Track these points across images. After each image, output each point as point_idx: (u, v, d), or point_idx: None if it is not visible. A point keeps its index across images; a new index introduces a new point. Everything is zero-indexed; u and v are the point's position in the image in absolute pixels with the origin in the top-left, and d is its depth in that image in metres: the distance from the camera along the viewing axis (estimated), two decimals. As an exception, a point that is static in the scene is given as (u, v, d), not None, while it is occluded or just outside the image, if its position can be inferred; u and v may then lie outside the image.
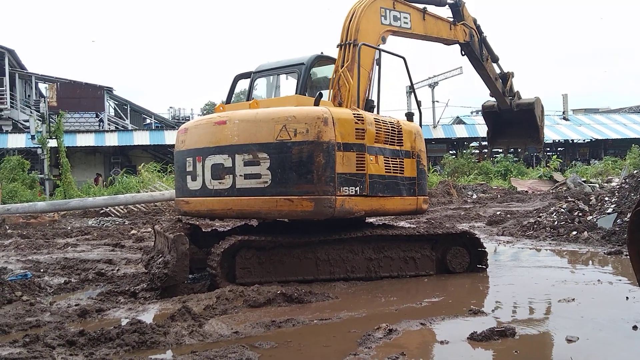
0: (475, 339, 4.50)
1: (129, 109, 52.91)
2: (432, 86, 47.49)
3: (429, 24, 10.19)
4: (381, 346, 4.41)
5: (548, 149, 51.97)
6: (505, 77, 12.54)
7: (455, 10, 11.34)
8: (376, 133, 7.10)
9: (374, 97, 8.35)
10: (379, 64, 8.39)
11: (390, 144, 7.34)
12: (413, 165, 7.62)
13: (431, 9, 10.29)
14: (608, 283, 6.87)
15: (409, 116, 8.29)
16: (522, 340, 4.52)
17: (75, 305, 6.10)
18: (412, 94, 9.11)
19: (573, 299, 6.02)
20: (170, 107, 71.92)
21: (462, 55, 11.88)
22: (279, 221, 7.59)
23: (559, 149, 51.13)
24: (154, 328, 4.77)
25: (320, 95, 7.28)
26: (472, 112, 61.96)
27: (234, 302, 5.82)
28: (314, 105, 6.98)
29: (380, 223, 8.53)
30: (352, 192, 6.76)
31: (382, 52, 8.43)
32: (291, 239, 6.82)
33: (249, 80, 8.75)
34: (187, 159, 7.37)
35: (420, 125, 8.70)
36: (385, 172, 7.17)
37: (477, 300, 6.13)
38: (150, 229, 14.39)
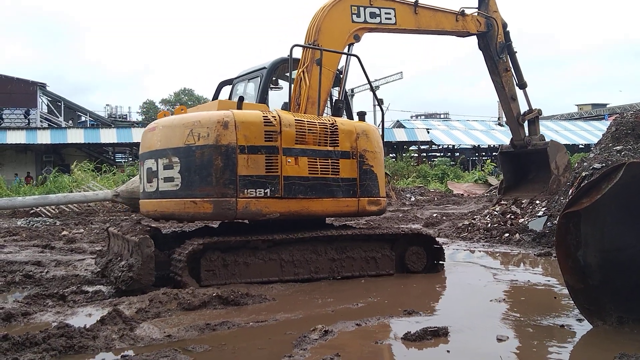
0: (409, 338, 4.54)
1: (62, 105, 51.17)
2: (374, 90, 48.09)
3: (423, 18, 9.93)
4: (316, 347, 4.39)
5: (483, 153, 53.55)
6: (530, 111, 12.07)
7: None
8: (297, 134, 7.03)
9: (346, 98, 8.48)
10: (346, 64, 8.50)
11: (320, 145, 7.23)
12: (353, 165, 7.49)
13: (433, 0, 10.06)
14: (538, 283, 7.11)
15: (361, 115, 8.26)
16: (454, 339, 4.59)
17: (0, 308, 5.81)
18: (372, 93, 9.06)
19: (504, 299, 6.20)
20: (107, 105, 70.23)
21: (479, 49, 11.54)
22: (240, 223, 7.53)
23: (493, 153, 52.69)
24: (82, 332, 4.59)
25: (242, 99, 7.29)
26: (411, 117, 63.22)
27: (168, 305, 5.68)
28: (237, 109, 6.99)
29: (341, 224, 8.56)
30: (260, 194, 6.74)
31: (347, 53, 8.59)
32: (260, 239, 6.83)
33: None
34: (139, 162, 7.66)
35: (383, 122, 8.74)
36: (310, 173, 7.09)
37: (412, 301, 6.20)
38: (82, 230, 13.97)
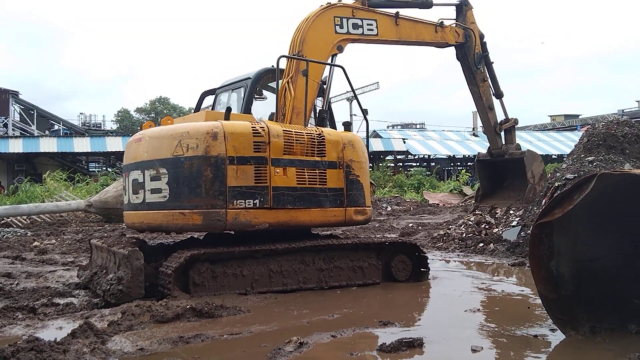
0: (384, 350, 4.54)
1: (35, 114, 50.42)
2: (350, 100, 48.33)
3: (403, 29, 10.14)
4: (291, 360, 4.37)
5: (459, 163, 54.05)
6: (507, 120, 12.37)
7: (459, 9, 11.37)
8: (285, 145, 7.04)
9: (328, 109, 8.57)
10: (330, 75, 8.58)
11: (307, 155, 7.26)
12: (340, 175, 7.52)
13: (413, 12, 10.29)
14: (512, 293, 7.16)
15: (346, 125, 8.30)
16: (429, 350, 4.59)
17: (-32, 322, 5.68)
18: (356, 102, 9.18)
19: (478, 309, 6.22)
20: (81, 114, 69.43)
21: (457, 59, 11.78)
22: (227, 234, 7.48)
23: (468, 163, 53.19)
24: (52, 346, 4.49)
25: (229, 110, 7.28)
26: (388, 127, 63.57)
27: (141, 317, 5.59)
28: (224, 120, 6.96)
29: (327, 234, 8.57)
30: (249, 205, 6.73)
31: (332, 64, 8.68)
32: (248, 250, 6.77)
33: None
34: (124, 174, 7.56)
35: (367, 132, 8.79)
36: (298, 183, 7.12)
37: (388, 311, 6.20)
38: (54, 241, 13.74)
